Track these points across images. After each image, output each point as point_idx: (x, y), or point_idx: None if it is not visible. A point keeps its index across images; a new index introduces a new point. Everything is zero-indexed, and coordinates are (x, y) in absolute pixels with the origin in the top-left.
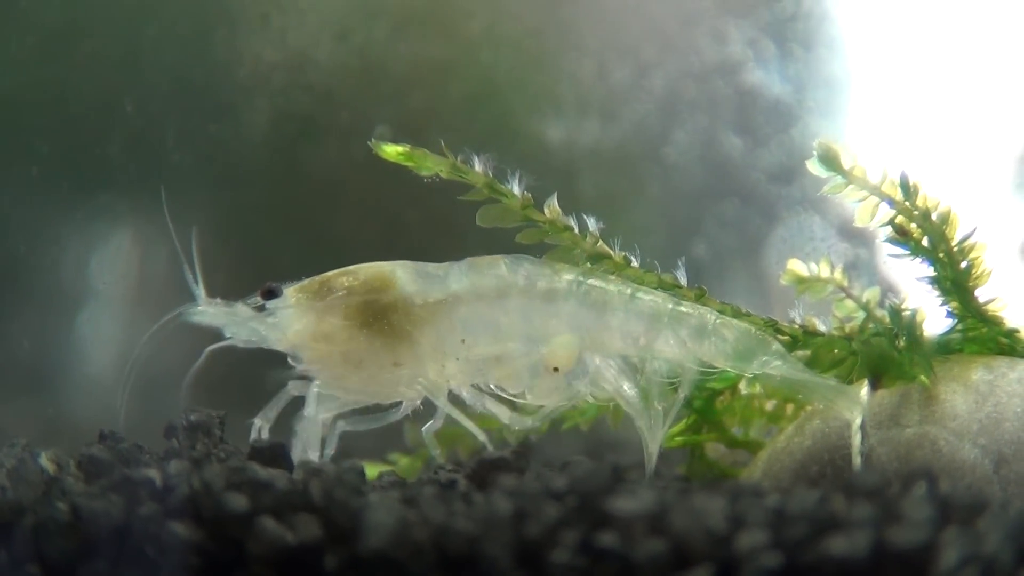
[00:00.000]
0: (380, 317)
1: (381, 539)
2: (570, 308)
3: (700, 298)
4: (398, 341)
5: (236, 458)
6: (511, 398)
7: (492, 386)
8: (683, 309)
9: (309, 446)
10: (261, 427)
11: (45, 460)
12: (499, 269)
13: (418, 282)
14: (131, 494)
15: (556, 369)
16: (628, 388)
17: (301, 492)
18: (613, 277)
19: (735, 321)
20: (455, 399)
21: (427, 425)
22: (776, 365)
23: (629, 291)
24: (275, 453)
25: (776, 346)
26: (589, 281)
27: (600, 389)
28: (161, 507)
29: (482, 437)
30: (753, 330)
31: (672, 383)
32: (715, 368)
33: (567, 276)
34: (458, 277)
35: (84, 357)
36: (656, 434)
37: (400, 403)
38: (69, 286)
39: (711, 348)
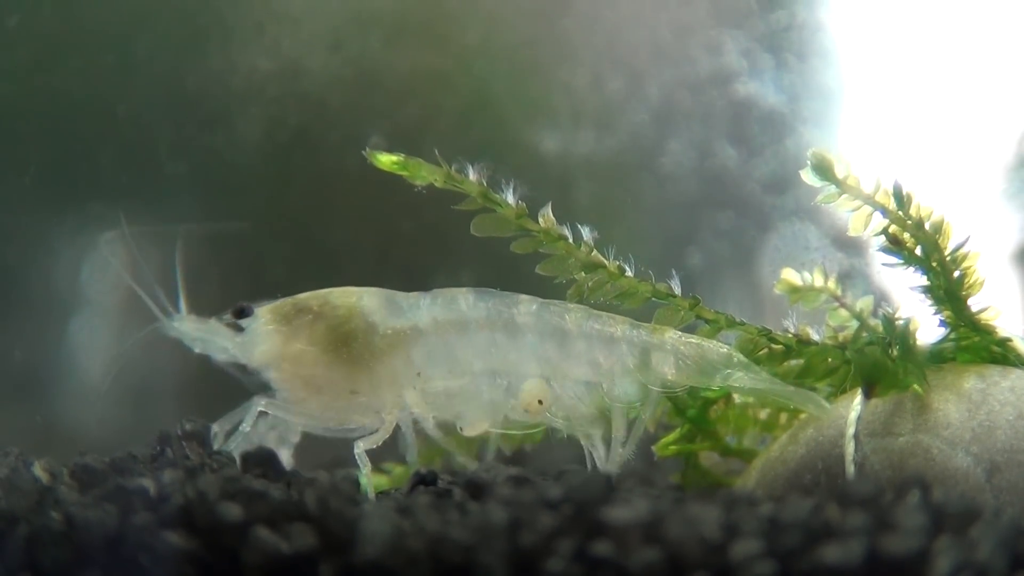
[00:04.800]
0: (342, 344)
1: (377, 548)
2: (532, 341)
3: (694, 308)
4: (357, 369)
5: (230, 468)
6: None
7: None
8: (642, 331)
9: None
10: (218, 434)
11: (38, 469)
12: (461, 303)
13: (382, 311)
14: (125, 503)
15: (541, 402)
16: (584, 409)
17: (296, 501)
18: (571, 305)
19: (696, 338)
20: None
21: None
22: (738, 377)
23: (588, 317)
24: (266, 461)
25: (738, 358)
26: (549, 311)
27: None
28: (155, 516)
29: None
30: (714, 345)
31: (634, 405)
32: (678, 385)
33: (528, 308)
34: (421, 309)
35: (76, 366)
36: (614, 454)
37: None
38: (61, 295)
39: (672, 367)
